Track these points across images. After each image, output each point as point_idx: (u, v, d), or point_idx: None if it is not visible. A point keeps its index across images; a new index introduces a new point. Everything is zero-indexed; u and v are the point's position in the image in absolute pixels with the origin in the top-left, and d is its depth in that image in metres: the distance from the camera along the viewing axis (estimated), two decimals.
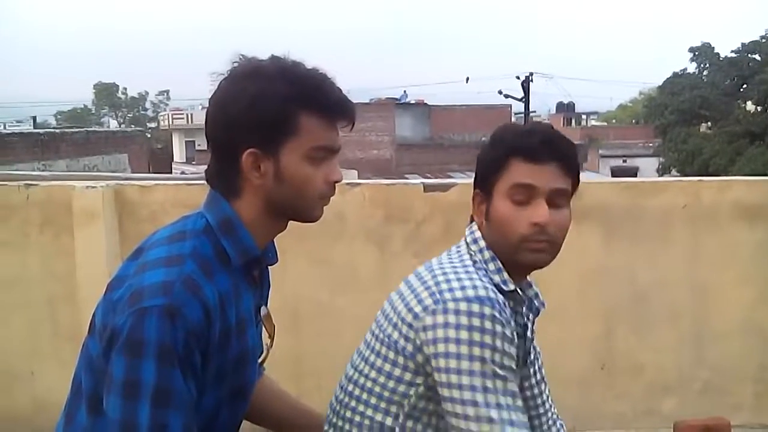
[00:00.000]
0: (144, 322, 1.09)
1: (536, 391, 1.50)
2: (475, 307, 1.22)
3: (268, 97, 1.18)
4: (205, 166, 1.31)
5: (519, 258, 1.33)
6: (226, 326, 1.19)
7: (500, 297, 1.27)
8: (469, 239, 1.38)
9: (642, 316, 3.40)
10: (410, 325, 1.28)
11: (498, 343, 1.22)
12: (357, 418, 1.35)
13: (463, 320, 1.22)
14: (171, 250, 1.17)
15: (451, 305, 1.24)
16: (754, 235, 3.37)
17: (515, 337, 1.27)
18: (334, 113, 1.24)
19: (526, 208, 1.30)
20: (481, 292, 1.25)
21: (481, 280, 1.28)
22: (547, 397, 1.52)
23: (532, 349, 1.50)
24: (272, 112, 1.18)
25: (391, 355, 1.32)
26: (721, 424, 3.41)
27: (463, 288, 1.26)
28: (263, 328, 1.40)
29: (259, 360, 1.41)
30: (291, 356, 2.84)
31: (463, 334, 1.21)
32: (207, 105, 1.25)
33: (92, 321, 1.24)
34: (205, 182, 1.29)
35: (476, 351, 1.20)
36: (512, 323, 1.28)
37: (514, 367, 1.25)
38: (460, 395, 1.20)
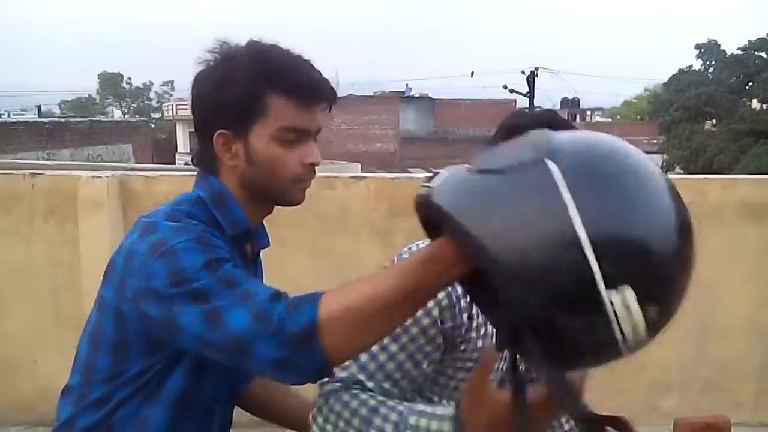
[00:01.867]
0: (180, 257, 1.07)
1: None
2: None
3: (235, 77, 1.17)
4: (191, 157, 1.33)
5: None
6: None
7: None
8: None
9: None
10: None
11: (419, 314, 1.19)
12: (337, 407, 1.36)
13: None
14: (167, 213, 1.17)
15: None
16: (759, 233, 3.37)
17: (460, 319, 1.24)
18: (304, 93, 1.20)
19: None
20: None
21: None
22: None
23: None
24: (238, 94, 1.17)
25: None
26: (721, 422, 3.41)
27: None
28: None
29: None
30: None
31: None
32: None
33: (99, 299, 1.23)
34: (194, 165, 1.31)
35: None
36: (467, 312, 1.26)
37: (422, 346, 1.21)
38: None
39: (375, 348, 1.17)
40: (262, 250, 1.41)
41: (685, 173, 23.13)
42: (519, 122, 1.23)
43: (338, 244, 3.23)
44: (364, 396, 1.16)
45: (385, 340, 1.18)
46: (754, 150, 24.18)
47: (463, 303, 1.23)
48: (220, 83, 1.19)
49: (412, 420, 1.11)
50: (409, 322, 1.16)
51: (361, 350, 1.08)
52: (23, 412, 3.26)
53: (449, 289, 1.20)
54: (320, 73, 1.23)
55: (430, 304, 1.17)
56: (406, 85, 36.88)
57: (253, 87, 1.17)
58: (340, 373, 1.18)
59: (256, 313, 0.99)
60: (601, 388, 3.44)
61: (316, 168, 1.27)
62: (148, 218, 1.18)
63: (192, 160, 1.31)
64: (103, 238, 3.05)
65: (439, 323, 1.20)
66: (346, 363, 1.16)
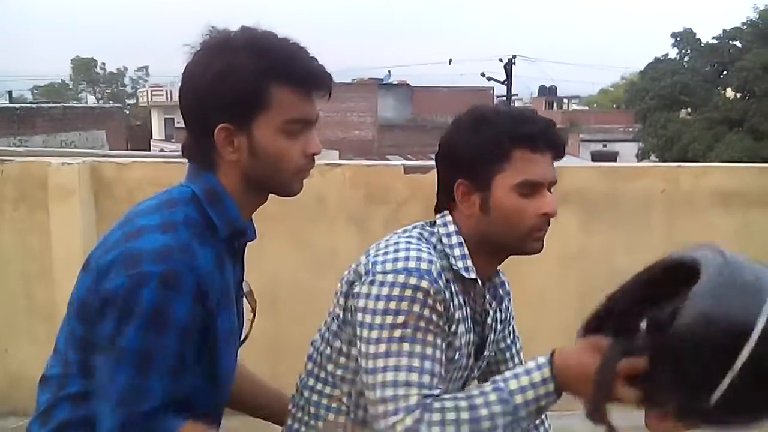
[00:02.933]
0: (142, 287, 1.07)
1: None
2: (401, 278, 1.20)
3: (236, 71, 1.14)
4: (181, 148, 1.28)
5: (526, 247, 1.32)
6: (215, 297, 1.17)
7: (437, 269, 1.24)
8: (439, 222, 1.35)
9: None
10: (347, 295, 1.28)
11: (417, 309, 1.19)
12: (314, 397, 1.35)
13: (384, 291, 1.20)
14: (164, 217, 1.15)
15: (378, 276, 1.22)
16: (731, 221, 3.41)
17: (449, 310, 1.24)
18: (307, 84, 1.19)
19: (533, 200, 1.28)
20: (412, 264, 1.22)
21: (420, 252, 1.25)
22: None
23: (509, 334, 1.50)
24: (241, 87, 1.14)
25: (334, 326, 1.32)
26: None
27: (395, 260, 1.23)
28: (245, 303, 1.38)
29: (242, 335, 1.39)
30: (268, 338, 2.84)
31: (381, 305, 1.19)
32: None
33: (72, 297, 1.21)
34: (184, 158, 1.27)
35: (389, 319, 1.18)
36: (453, 300, 1.26)
37: (437, 337, 1.21)
38: (375, 364, 1.18)
39: (416, 363, 1.17)
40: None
41: (659, 161, 23.37)
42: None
43: (315, 233, 3.21)
44: (448, 403, 1.15)
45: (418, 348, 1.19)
46: (728, 138, 24.47)
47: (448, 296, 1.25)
48: (219, 76, 1.14)
49: (512, 385, 1.16)
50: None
51: None
52: None
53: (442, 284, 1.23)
54: (318, 60, 1.21)
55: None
56: (388, 71, 36.78)
57: (255, 79, 1.15)
58: (402, 403, 1.15)
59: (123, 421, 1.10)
60: None
61: None
62: (140, 219, 1.16)
63: (183, 154, 1.26)
64: (74, 225, 3.00)
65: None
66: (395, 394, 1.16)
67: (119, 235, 1.15)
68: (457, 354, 1.29)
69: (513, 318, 1.51)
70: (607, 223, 3.35)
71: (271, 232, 3.16)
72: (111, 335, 1.09)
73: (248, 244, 1.39)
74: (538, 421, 1.51)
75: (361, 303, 1.22)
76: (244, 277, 1.38)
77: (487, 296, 1.38)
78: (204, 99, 1.17)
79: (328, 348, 1.34)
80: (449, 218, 1.34)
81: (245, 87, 1.15)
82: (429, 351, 1.18)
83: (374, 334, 1.19)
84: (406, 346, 1.17)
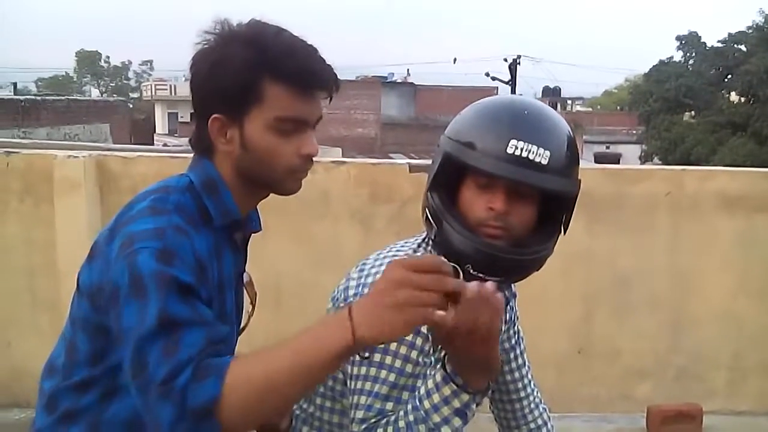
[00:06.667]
0: (138, 261, 1.04)
1: (517, 375, 1.50)
2: None
3: (230, 62, 1.13)
4: (188, 138, 1.28)
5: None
6: (211, 282, 1.17)
7: None
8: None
9: (622, 301, 3.43)
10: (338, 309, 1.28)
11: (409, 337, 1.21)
12: (317, 400, 1.38)
13: None
14: (155, 202, 1.13)
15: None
16: (734, 224, 3.41)
17: None
18: (303, 82, 1.15)
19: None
20: None
21: None
22: (529, 381, 1.53)
23: (514, 334, 1.50)
24: (233, 78, 1.13)
25: None
26: (694, 409, 3.48)
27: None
28: (245, 295, 1.38)
29: (241, 326, 1.39)
30: (270, 332, 2.84)
31: None
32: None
33: (78, 281, 1.21)
34: (189, 154, 1.27)
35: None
36: None
37: (417, 360, 1.22)
38: (354, 384, 1.23)
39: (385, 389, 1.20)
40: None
41: (663, 164, 23.33)
42: None
43: (319, 229, 3.22)
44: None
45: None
46: (732, 142, 24.41)
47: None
48: (215, 66, 1.14)
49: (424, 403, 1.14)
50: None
51: (258, 422, 1.07)
52: None
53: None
54: (323, 60, 1.18)
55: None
56: (407, 70, 36.75)
57: (249, 72, 1.13)
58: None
59: (166, 375, 0.98)
60: (576, 374, 3.50)
61: None
62: (135, 205, 1.15)
63: (189, 141, 1.27)
64: (79, 218, 3.01)
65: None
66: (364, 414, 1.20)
67: (118, 223, 1.15)
68: None
69: (518, 319, 1.51)
70: (611, 224, 3.36)
71: (274, 227, 3.16)
72: (135, 316, 1.04)
73: (254, 236, 1.39)
74: (540, 422, 1.52)
75: None
76: (246, 269, 1.38)
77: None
78: (201, 87, 1.17)
79: None
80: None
81: (238, 78, 1.13)
82: (401, 381, 1.21)
83: (357, 358, 1.21)
84: (382, 373, 1.21)
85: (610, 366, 3.45)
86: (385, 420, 1.18)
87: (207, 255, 1.15)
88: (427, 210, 1.26)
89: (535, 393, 1.54)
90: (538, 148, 1.19)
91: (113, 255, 1.10)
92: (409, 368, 1.20)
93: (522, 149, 1.18)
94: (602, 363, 3.45)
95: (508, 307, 1.45)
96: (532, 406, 1.52)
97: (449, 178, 1.26)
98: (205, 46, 1.18)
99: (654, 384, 3.48)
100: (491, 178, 1.21)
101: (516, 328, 1.51)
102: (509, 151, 1.18)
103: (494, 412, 1.56)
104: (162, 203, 1.14)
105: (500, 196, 1.21)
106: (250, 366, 0.98)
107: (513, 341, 1.51)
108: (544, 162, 1.19)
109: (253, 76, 1.13)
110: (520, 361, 1.51)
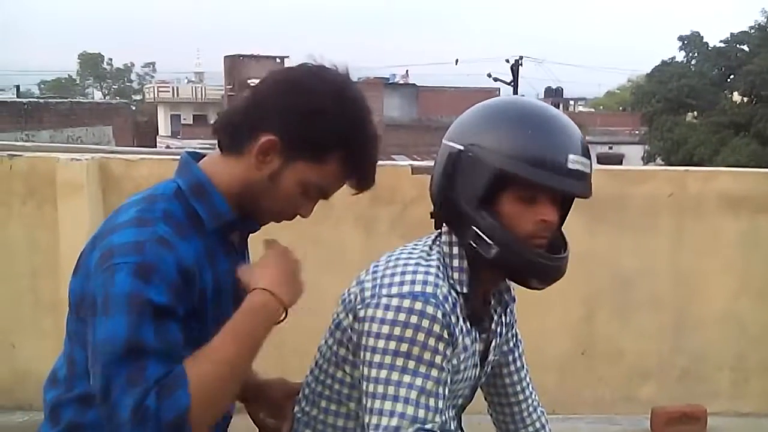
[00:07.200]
0: (114, 277, 1.05)
1: (515, 378, 1.51)
2: (406, 303, 1.19)
3: (331, 120, 1.17)
4: (214, 124, 1.27)
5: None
6: (203, 290, 1.16)
7: (443, 292, 1.23)
8: (444, 232, 1.34)
9: (624, 302, 3.43)
10: (355, 316, 1.27)
11: (422, 338, 1.18)
12: (323, 403, 1.37)
13: (390, 315, 1.19)
14: (141, 212, 1.13)
15: (384, 300, 1.21)
16: (737, 225, 3.41)
17: (454, 335, 1.23)
18: (356, 185, 1.27)
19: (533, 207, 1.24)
20: (418, 288, 1.21)
21: (428, 274, 1.24)
22: (528, 384, 1.53)
23: (512, 337, 1.50)
24: (320, 133, 1.17)
25: (338, 335, 1.33)
26: (698, 411, 3.47)
27: (402, 283, 1.23)
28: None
29: None
30: (273, 333, 2.84)
31: (385, 329, 1.18)
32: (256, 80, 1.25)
33: (68, 294, 1.21)
34: (213, 133, 1.27)
35: (393, 345, 1.17)
36: (459, 321, 1.25)
37: (442, 366, 1.20)
38: (374, 389, 1.18)
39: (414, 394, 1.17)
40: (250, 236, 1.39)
41: (665, 164, 23.32)
42: None
43: (322, 231, 3.21)
44: None
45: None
46: (734, 142, 24.40)
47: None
48: (320, 112, 1.17)
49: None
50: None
51: (223, 411, 1.16)
52: (1, 395, 3.23)
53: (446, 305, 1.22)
54: (377, 153, 1.27)
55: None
56: (406, 71, 36.71)
57: (332, 137, 1.18)
58: None
59: (135, 405, 1.03)
60: (579, 376, 3.49)
61: None
62: (119, 215, 1.15)
63: (215, 129, 1.26)
64: (82, 221, 3.01)
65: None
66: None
67: (101, 232, 1.15)
68: (463, 366, 1.29)
69: (516, 321, 1.51)
70: (613, 225, 3.35)
71: (276, 229, 3.17)
72: (105, 334, 1.07)
73: (251, 241, 1.38)
74: (539, 425, 1.52)
75: (366, 326, 1.22)
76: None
77: (492, 302, 1.38)
78: (285, 109, 1.18)
79: (334, 356, 1.34)
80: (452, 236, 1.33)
81: (323, 135, 1.17)
82: (429, 385, 1.17)
83: (377, 358, 1.19)
84: (407, 378, 1.17)
85: (613, 367, 3.45)
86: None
87: (197, 262, 1.15)
88: (475, 228, 1.24)
89: (533, 396, 1.54)
90: (585, 159, 1.23)
91: (92, 266, 1.11)
92: (434, 373, 1.18)
93: (577, 162, 1.21)
94: (605, 364, 3.45)
95: (508, 310, 1.45)
96: (531, 409, 1.52)
97: (486, 192, 1.24)
98: (308, 79, 1.20)
99: (657, 385, 3.47)
100: (538, 190, 1.22)
101: (514, 331, 1.51)
102: (570, 166, 1.20)
103: (493, 416, 1.56)
104: (149, 213, 1.14)
105: (551, 208, 1.24)
106: (203, 365, 1.07)
107: (511, 344, 1.51)
108: (588, 171, 1.24)
109: (332, 143, 1.19)
110: (518, 363, 1.51)
